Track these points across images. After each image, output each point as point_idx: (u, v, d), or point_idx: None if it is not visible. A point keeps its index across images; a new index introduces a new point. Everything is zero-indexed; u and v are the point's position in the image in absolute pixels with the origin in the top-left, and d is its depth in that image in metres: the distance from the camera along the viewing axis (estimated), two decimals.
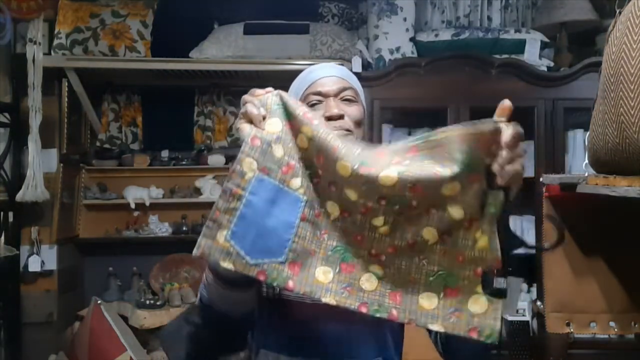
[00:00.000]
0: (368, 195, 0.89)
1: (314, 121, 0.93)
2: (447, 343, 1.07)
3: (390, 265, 0.92)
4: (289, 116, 0.95)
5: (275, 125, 0.94)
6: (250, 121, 0.94)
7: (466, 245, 0.87)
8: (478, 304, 0.87)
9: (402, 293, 0.91)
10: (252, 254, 0.88)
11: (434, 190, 0.85)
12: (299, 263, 0.91)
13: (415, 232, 0.90)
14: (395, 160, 0.87)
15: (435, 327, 0.89)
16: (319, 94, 1.15)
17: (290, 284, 0.90)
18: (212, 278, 1.01)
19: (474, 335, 0.87)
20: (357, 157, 0.89)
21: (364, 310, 0.91)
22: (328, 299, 0.91)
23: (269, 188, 0.91)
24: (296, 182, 0.94)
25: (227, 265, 0.88)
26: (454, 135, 0.83)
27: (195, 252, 0.88)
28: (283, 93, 0.97)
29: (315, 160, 0.94)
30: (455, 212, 0.86)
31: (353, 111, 1.14)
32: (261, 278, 0.89)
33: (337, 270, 0.92)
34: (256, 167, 0.91)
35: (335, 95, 1.15)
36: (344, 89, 1.15)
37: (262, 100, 0.96)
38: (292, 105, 0.95)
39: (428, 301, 0.90)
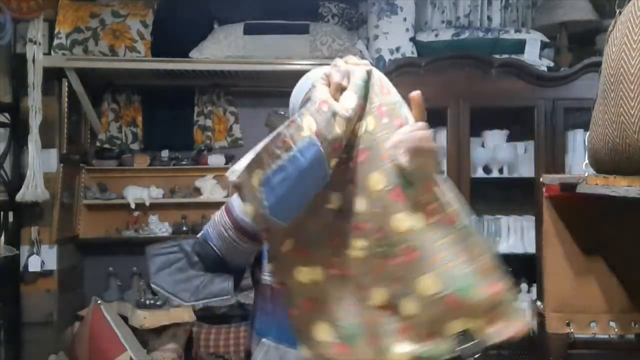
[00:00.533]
0: (374, 219, 0.87)
1: (383, 119, 0.88)
2: None
3: (331, 282, 0.91)
4: (366, 97, 0.90)
5: (350, 101, 0.88)
6: (329, 85, 0.90)
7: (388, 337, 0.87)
8: None
9: (312, 309, 0.91)
10: (272, 209, 0.86)
11: (414, 272, 0.84)
12: (289, 231, 0.91)
13: (371, 282, 0.88)
14: (427, 212, 0.85)
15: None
16: None
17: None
18: (226, 218, 1.03)
19: None
20: (397, 179, 0.86)
21: (281, 288, 0.92)
22: (270, 265, 0.94)
23: (316, 156, 0.86)
24: (333, 162, 0.89)
25: (246, 207, 0.86)
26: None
27: (233, 177, 0.85)
28: (375, 71, 0.91)
29: (358, 153, 0.90)
30: (409, 306, 0.85)
31: None
32: (265, 235, 0.90)
33: (293, 247, 0.92)
34: (315, 129, 0.86)
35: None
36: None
37: (349, 70, 0.91)
38: (374, 89, 0.90)
39: (321, 332, 0.90)
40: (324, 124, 0.86)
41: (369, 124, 0.89)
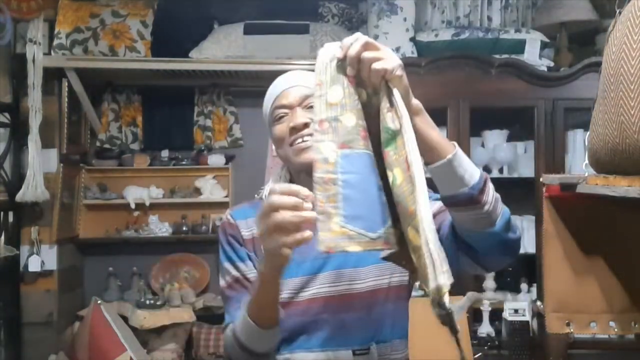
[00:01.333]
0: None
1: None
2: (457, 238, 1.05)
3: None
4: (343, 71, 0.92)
5: (337, 94, 0.91)
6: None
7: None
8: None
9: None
10: (371, 229, 0.88)
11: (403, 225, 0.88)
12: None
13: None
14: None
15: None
16: (283, 106, 1.17)
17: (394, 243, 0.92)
18: (239, 347, 1.07)
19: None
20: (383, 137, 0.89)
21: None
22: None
23: (358, 160, 0.89)
24: (370, 143, 0.92)
25: (353, 248, 0.87)
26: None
27: (320, 248, 0.86)
28: (339, 48, 0.92)
29: (373, 114, 0.93)
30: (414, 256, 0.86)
31: None
32: (386, 247, 0.90)
33: None
34: (335, 147, 0.89)
35: (299, 104, 1.16)
36: (307, 97, 1.15)
37: (320, 68, 0.92)
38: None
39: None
40: (337, 134, 0.89)
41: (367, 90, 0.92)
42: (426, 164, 0.97)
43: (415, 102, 0.95)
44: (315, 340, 1.13)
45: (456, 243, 1.04)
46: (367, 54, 0.89)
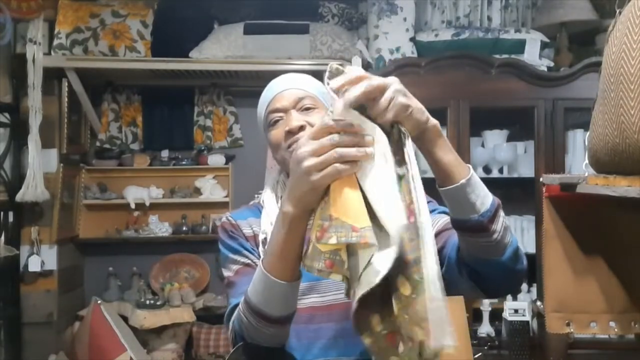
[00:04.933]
0: None
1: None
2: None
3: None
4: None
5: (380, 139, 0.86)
6: None
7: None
8: None
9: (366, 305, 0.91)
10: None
11: (394, 272, 0.83)
12: None
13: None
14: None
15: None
16: (277, 110, 1.16)
17: None
18: (253, 314, 1.00)
19: None
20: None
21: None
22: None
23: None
24: None
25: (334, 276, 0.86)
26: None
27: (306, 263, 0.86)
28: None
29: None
30: (395, 305, 0.84)
31: (313, 119, 1.12)
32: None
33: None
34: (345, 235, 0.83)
35: (294, 107, 1.14)
36: (301, 99, 1.15)
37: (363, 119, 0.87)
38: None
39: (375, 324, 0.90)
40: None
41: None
42: (439, 186, 0.95)
43: (432, 123, 0.92)
44: (316, 349, 1.12)
45: (460, 265, 1.02)
46: (369, 103, 0.86)
